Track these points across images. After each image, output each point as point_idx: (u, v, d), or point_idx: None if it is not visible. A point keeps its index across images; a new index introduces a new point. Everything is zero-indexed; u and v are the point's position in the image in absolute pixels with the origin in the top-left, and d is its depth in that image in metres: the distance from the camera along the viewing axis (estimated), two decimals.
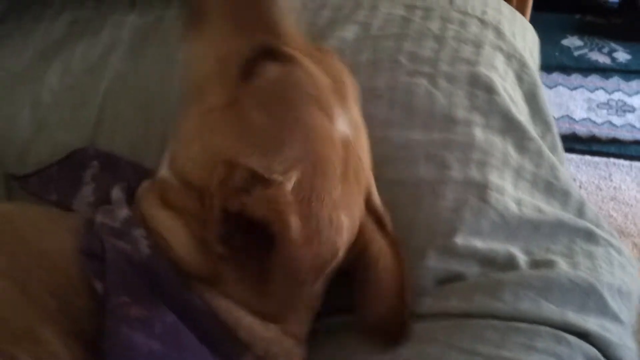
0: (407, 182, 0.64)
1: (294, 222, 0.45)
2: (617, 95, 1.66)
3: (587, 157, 1.51)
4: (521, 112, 0.72)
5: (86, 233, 0.50)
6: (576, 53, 1.79)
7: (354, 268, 0.55)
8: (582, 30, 1.88)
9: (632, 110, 1.62)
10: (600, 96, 1.66)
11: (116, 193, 0.56)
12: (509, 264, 0.57)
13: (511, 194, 0.63)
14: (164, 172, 0.55)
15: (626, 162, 1.49)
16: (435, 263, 0.58)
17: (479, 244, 0.58)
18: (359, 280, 0.55)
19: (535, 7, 1.43)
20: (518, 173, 0.65)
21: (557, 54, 1.77)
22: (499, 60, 0.77)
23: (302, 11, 0.82)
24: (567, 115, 1.60)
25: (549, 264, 0.57)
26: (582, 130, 1.57)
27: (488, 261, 0.58)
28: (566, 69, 1.73)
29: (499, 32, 0.80)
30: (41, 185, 0.66)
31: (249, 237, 0.47)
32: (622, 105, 1.64)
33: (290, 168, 0.48)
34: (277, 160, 0.48)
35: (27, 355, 0.42)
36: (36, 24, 0.86)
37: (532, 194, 0.64)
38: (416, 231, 0.60)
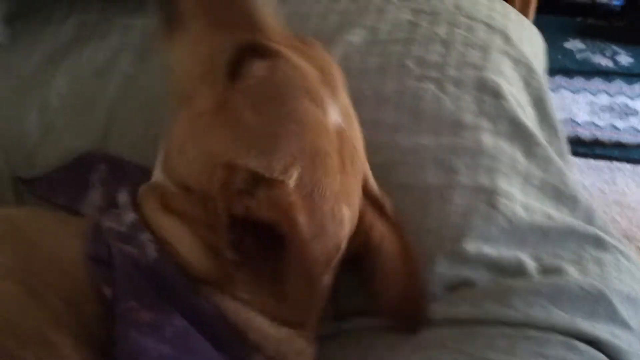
0: (415, 186, 0.64)
1: (302, 220, 0.45)
2: (620, 99, 1.66)
3: (591, 161, 1.50)
4: (529, 117, 0.72)
5: (93, 239, 0.50)
6: (579, 56, 1.79)
7: (360, 257, 0.55)
8: (584, 33, 1.87)
9: (635, 113, 1.62)
10: (603, 99, 1.66)
11: (123, 197, 0.56)
12: (518, 270, 0.57)
13: (519, 199, 0.62)
14: (158, 176, 0.55)
15: (630, 166, 1.49)
16: (444, 269, 0.58)
17: (488, 250, 0.58)
18: (367, 268, 0.55)
19: (537, 10, 1.43)
20: (526, 179, 0.65)
21: (559, 57, 1.77)
22: (506, 65, 0.77)
23: (309, 17, 0.82)
24: (570, 119, 1.60)
25: (558, 271, 0.57)
26: (585, 133, 1.56)
27: (497, 267, 0.58)
28: (569, 72, 1.73)
29: (506, 37, 0.80)
30: (49, 188, 0.67)
31: (259, 240, 0.47)
32: (625, 108, 1.63)
33: (289, 164, 0.47)
34: (275, 157, 0.47)
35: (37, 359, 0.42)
36: (44, 26, 0.87)
37: (541, 200, 0.64)
38: (424, 236, 0.60)
